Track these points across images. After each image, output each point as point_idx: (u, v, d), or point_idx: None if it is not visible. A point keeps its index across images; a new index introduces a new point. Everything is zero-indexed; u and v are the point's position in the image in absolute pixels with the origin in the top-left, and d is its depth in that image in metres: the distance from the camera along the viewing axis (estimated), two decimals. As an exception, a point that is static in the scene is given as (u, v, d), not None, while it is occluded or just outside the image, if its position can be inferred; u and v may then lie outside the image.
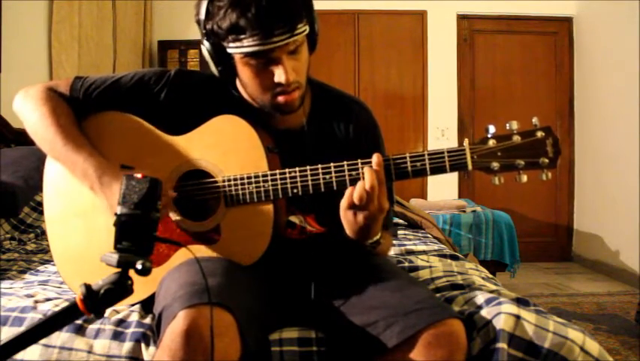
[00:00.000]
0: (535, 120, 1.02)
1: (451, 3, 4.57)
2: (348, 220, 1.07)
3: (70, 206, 1.21)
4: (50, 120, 1.14)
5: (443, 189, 4.51)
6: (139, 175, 0.84)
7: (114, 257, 0.79)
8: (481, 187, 4.56)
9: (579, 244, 4.61)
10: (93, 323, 1.07)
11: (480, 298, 1.06)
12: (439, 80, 4.60)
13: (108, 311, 1.09)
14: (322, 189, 1.08)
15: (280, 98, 1.10)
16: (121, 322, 1.08)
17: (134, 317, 1.09)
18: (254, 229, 1.11)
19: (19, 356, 0.87)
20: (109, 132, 1.20)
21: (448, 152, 1.03)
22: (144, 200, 0.82)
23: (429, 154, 1.04)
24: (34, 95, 1.18)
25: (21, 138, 2.54)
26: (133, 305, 1.14)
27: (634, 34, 3.66)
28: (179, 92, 1.19)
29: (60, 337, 1.04)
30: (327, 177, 1.07)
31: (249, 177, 1.10)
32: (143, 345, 1.03)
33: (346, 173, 1.07)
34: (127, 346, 1.03)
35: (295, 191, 1.09)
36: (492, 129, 1.03)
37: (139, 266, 0.79)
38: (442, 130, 4.59)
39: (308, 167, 1.08)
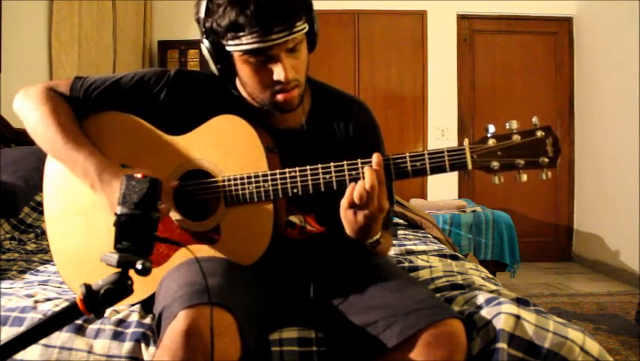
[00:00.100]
0: (535, 120, 1.02)
1: (451, 3, 4.57)
2: (348, 220, 1.07)
3: (70, 206, 1.21)
4: (51, 119, 1.14)
5: (443, 189, 4.51)
6: (139, 175, 0.84)
7: (114, 257, 0.79)
8: (481, 187, 4.56)
9: (579, 244, 4.61)
10: (93, 323, 1.07)
11: (480, 298, 1.06)
12: (439, 80, 4.60)
13: (108, 311, 1.09)
14: (322, 189, 1.08)
15: (279, 97, 1.11)
16: (121, 322, 1.08)
17: (134, 317, 1.09)
18: (254, 229, 1.11)
19: (19, 356, 0.87)
20: (109, 132, 1.20)
21: (448, 151, 1.03)
22: (144, 200, 0.82)
23: (429, 154, 1.04)
24: (35, 94, 1.18)
25: (21, 138, 2.54)
26: (133, 305, 1.14)
27: (634, 34, 3.66)
28: (179, 92, 1.19)
29: (60, 337, 1.04)
30: (327, 176, 1.07)
31: (248, 177, 1.10)
32: (143, 345, 1.03)
33: (346, 173, 1.07)
34: (127, 346, 1.03)
35: (295, 191, 1.09)
36: (492, 129, 1.03)
37: (139, 266, 0.79)
38: (442, 130, 4.59)
39: (308, 167, 1.08)
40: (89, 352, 1.03)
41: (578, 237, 4.63)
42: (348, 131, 1.24)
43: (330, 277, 1.13)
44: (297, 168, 1.09)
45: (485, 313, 1.00)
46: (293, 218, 1.19)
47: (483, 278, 1.36)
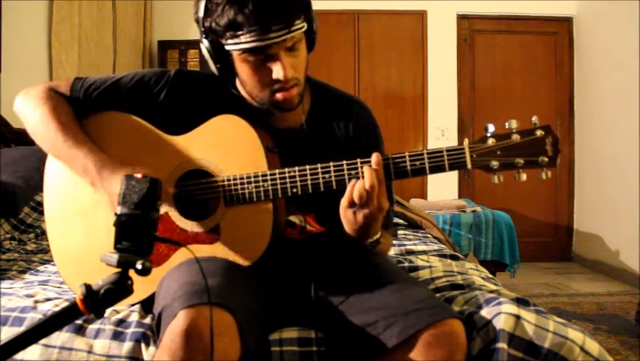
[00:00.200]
0: (534, 119, 1.02)
1: (451, 3, 4.57)
2: (347, 219, 1.07)
3: (70, 206, 1.21)
4: (51, 118, 1.14)
5: (443, 189, 4.51)
6: (139, 175, 0.84)
7: (114, 257, 0.79)
8: (481, 187, 4.56)
9: (579, 244, 4.61)
10: (93, 323, 1.07)
11: (480, 298, 1.06)
12: (439, 80, 4.60)
13: (108, 311, 1.09)
14: (322, 189, 1.08)
15: (279, 95, 1.11)
16: (121, 322, 1.08)
17: (134, 317, 1.09)
18: (253, 229, 1.11)
19: (19, 356, 0.87)
20: (109, 132, 1.20)
21: (447, 151, 1.03)
22: (144, 200, 0.82)
23: (428, 153, 1.04)
24: (35, 95, 1.18)
25: (21, 138, 2.54)
26: (133, 305, 1.14)
27: (634, 34, 3.66)
28: (178, 92, 1.19)
29: (60, 337, 1.04)
30: (327, 176, 1.07)
31: (248, 177, 1.10)
32: (143, 345, 1.03)
33: (345, 172, 1.07)
34: (127, 346, 1.03)
35: (295, 190, 1.09)
36: (491, 128, 1.03)
37: (139, 266, 0.79)
38: (442, 130, 4.59)
39: (307, 166, 1.08)
40: (89, 352, 1.03)
41: (578, 237, 4.63)
42: (348, 131, 1.24)
43: (330, 277, 1.12)
44: (296, 168, 1.09)
45: (485, 313, 1.00)
46: (293, 218, 1.19)
47: (483, 278, 1.36)
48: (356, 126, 1.24)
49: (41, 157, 1.25)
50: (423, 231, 2.55)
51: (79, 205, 1.20)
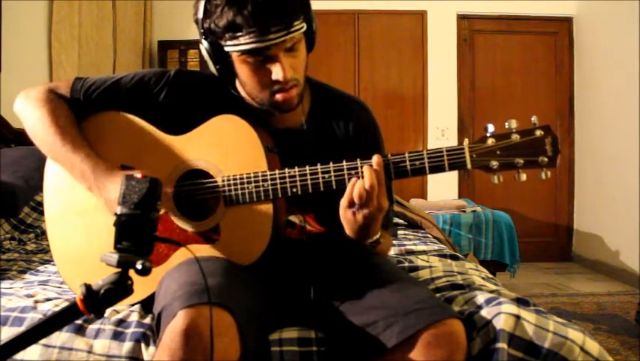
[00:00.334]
0: (534, 119, 1.02)
1: (451, 3, 4.57)
2: (347, 219, 1.07)
3: (70, 206, 1.21)
4: (49, 121, 1.14)
5: (443, 189, 4.51)
6: (139, 175, 0.84)
7: (114, 257, 0.79)
8: (481, 187, 4.56)
9: (579, 244, 4.61)
10: (93, 323, 1.07)
11: (480, 298, 1.06)
12: (439, 80, 4.60)
13: (108, 311, 1.09)
14: (321, 189, 1.08)
15: (278, 96, 1.11)
16: (121, 322, 1.08)
17: (134, 317, 1.09)
18: (253, 229, 1.11)
19: (19, 356, 0.87)
20: (109, 132, 1.21)
21: (447, 151, 1.03)
22: (144, 200, 0.82)
23: (428, 153, 1.04)
24: (35, 96, 1.18)
25: (21, 138, 2.54)
26: (133, 305, 1.14)
27: (634, 34, 3.66)
28: (178, 92, 1.19)
29: (60, 337, 1.04)
30: (327, 176, 1.07)
31: (248, 177, 1.10)
32: (143, 345, 1.03)
33: (345, 172, 1.07)
34: (127, 346, 1.03)
35: (294, 190, 1.09)
36: (491, 128, 1.03)
37: (139, 266, 0.79)
38: (442, 130, 4.59)
39: (307, 166, 1.08)
40: (89, 352, 1.03)
41: (578, 237, 4.63)
42: (348, 131, 1.24)
43: (330, 277, 1.13)
44: (296, 168, 1.09)
45: (485, 313, 1.00)
46: (292, 218, 1.19)
47: (483, 278, 1.36)
48: (356, 126, 1.24)
49: (41, 157, 1.25)
50: (423, 231, 2.55)
51: (79, 205, 1.20)
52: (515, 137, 1.01)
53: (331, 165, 1.07)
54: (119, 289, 0.79)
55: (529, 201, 4.59)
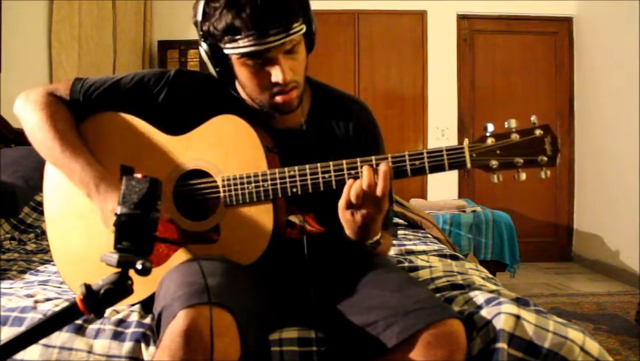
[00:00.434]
0: (533, 118, 1.02)
1: (451, 3, 4.57)
2: (346, 220, 1.07)
3: (70, 206, 1.21)
4: (48, 126, 1.14)
5: (443, 189, 4.51)
6: (139, 175, 0.84)
7: (114, 257, 0.79)
8: (481, 187, 4.56)
9: (579, 244, 4.61)
10: (93, 323, 1.07)
11: (480, 298, 1.06)
12: (439, 80, 4.60)
13: (108, 311, 1.09)
14: (321, 189, 1.08)
15: (278, 98, 1.11)
16: (121, 322, 1.08)
17: (134, 317, 1.09)
18: (253, 229, 1.11)
19: (19, 356, 0.87)
20: (108, 133, 1.21)
21: (447, 150, 1.03)
22: (144, 200, 0.82)
23: (428, 153, 1.04)
24: (34, 99, 1.18)
25: (21, 138, 2.53)
26: (133, 305, 1.14)
27: (634, 34, 3.66)
28: (178, 92, 1.19)
29: (60, 337, 1.04)
30: (327, 176, 1.07)
31: (248, 177, 1.10)
32: (143, 345, 1.03)
33: (345, 172, 1.07)
34: (127, 346, 1.03)
35: (294, 190, 1.09)
36: (490, 127, 1.03)
37: (139, 266, 0.79)
38: (442, 130, 4.59)
39: (307, 166, 1.08)
40: (89, 352, 1.03)
41: (578, 237, 4.63)
42: (348, 131, 1.24)
43: (330, 277, 1.13)
44: (296, 168, 1.09)
45: (485, 313, 1.00)
46: (292, 218, 1.19)
47: (483, 278, 1.36)
48: (356, 126, 1.24)
49: (41, 157, 1.25)
50: (423, 231, 2.55)
51: (79, 205, 1.20)
52: (515, 136, 1.01)
53: (331, 164, 1.07)
54: (119, 289, 0.79)
55: (529, 201, 4.59)
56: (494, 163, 1.02)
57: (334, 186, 1.07)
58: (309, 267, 1.15)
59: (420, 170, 1.05)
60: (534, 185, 4.46)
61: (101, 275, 0.80)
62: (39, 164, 1.28)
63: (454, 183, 4.59)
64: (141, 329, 1.06)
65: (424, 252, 1.79)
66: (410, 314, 0.94)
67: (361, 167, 1.05)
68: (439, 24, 4.59)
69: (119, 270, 0.80)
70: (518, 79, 4.64)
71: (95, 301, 0.78)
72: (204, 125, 1.15)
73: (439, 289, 1.27)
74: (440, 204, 3.83)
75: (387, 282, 1.05)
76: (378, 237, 1.12)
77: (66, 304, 0.81)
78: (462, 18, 4.62)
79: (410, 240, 2.15)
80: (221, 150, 1.14)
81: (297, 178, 1.08)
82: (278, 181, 1.09)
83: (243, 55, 1.06)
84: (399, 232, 2.38)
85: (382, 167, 1.03)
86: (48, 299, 1.20)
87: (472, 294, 1.11)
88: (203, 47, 1.11)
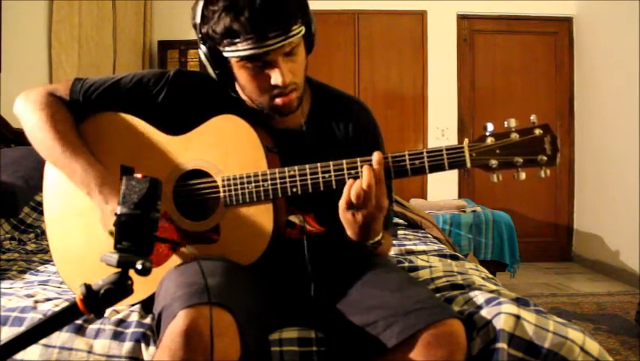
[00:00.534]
0: (533, 118, 1.02)
1: (451, 3, 4.57)
2: (347, 221, 1.07)
3: (70, 206, 1.21)
4: (48, 126, 1.14)
5: (443, 188, 4.52)
6: (139, 175, 0.84)
7: (114, 257, 0.79)
8: (481, 187, 4.56)
9: (579, 244, 4.61)
10: (93, 323, 1.07)
11: (480, 298, 1.06)
12: (439, 80, 4.60)
13: (108, 311, 1.09)
14: (321, 188, 1.08)
15: (278, 100, 1.11)
16: (121, 322, 1.08)
17: (134, 317, 1.09)
18: (253, 229, 1.11)
19: (19, 356, 0.87)
20: (108, 133, 1.21)
21: (447, 149, 1.03)
22: (144, 200, 0.82)
23: (427, 152, 1.04)
24: (34, 99, 1.18)
25: (21, 138, 2.53)
26: (133, 305, 1.14)
27: (634, 34, 3.66)
28: (178, 93, 1.19)
29: (60, 337, 1.04)
30: (327, 176, 1.07)
31: (248, 177, 1.10)
32: (143, 345, 1.03)
33: (345, 172, 1.07)
34: (127, 346, 1.03)
35: (294, 190, 1.09)
36: (490, 127, 1.03)
37: (139, 266, 0.79)
38: (442, 130, 4.59)
39: (307, 166, 1.08)
40: (89, 352, 1.03)
41: (578, 237, 4.63)
42: (348, 132, 1.24)
43: (330, 277, 1.12)
44: (296, 168, 1.09)
45: (485, 313, 1.00)
46: (292, 218, 1.19)
47: (483, 278, 1.36)
48: (356, 127, 1.24)
49: (41, 157, 1.25)
50: (423, 231, 2.55)
51: (79, 205, 1.20)
52: (514, 136, 1.01)
53: (331, 164, 1.07)
54: (119, 289, 0.79)
55: (529, 201, 4.59)
56: (494, 163, 1.02)
57: (334, 186, 1.07)
58: (309, 267, 1.15)
59: (420, 169, 1.05)
60: (534, 185, 4.46)
61: (101, 275, 0.80)
62: (39, 164, 1.28)
63: (454, 183, 4.59)
64: (141, 329, 1.06)
65: (424, 252, 1.79)
66: (410, 314, 0.94)
67: (361, 167, 1.05)
68: (439, 24, 4.59)
69: (119, 270, 0.80)
70: (518, 79, 4.64)
71: (95, 301, 0.78)
72: (204, 125, 1.15)
73: (439, 289, 1.26)
74: (440, 204, 3.83)
75: (387, 282, 1.05)
76: (379, 237, 1.12)
77: (66, 304, 0.81)
78: (462, 18, 4.62)
79: (410, 240, 2.15)
80: (221, 149, 1.14)
81: (297, 178, 1.08)
82: (278, 181, 1.09)
83: (242, 58, 1.06)
84: (399, 232, 2.38)
85: (375, 155, 1.04)
86: (48, 299, 1.20)
87: (472, 294, 1.11)
88: (203, 49, 1.11)
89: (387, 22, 4.61)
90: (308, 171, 1.08)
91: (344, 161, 1.07)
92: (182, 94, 1.19)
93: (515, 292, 1.17)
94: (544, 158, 1.01)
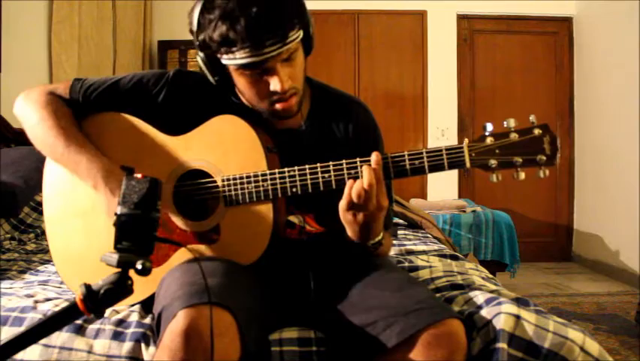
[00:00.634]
0: (532, 118, 1.02)
1: (451, 3, 4.57)
2: (348, 221, 1.07)
3: (69, 206, 1.21)
4: (50, 123, 1.14)
5: (443, 189, 4.52)
6: (139, 175, 0.84)
7: (114, 257, 0.79)
8: (481, 187, 4.56)
9: (579, 244, 4.61)
10: (93, 323, 1.07)
11: (480, 298, 1.07)
12: (439, 80, 4.60)
13: (108, 311, 1.09)
14: (321, 188, 1.08)
15: (277, 106, 1.11)
16: (121, 322, 1.08)
17: (134, 317, 1.09)
18: (253, 229, 1.11)
19: (19, 356, 0.87)
20: (108, 133, 1.21)
21: (447, 149, 1.03)
22: (144, 200, 0.83)
23: (427, 152, 1.04)
24: (34, 98, 1.18)
25: (21, 138, 2.54)
26: (133, 305, 1.14)
27: (634, 34, 3.66)
28: (178, 93, 1.19)
29: (60, 337, 1.04)
30: (326, 176, 1.07)
31: (248, 177, 1.10)
32: (143, 345, 1.03)
33: (345, 172, 1.07)
34: (127, 346, 1.03)
35: (294, 190, 1.09)
36: (489, 127, 1.03)
37: (139, 266, 0.79)
38: (442, 130, 4.59)
39: (307, 166, 1.08)
40: (89, 352, 1.03)
41: (578, 237, 4.63)
42: (348, 132, 1.24)
43: (330, 277, 1.13)
44: (296, 168, 1.09)
45: (485, 313, 1.00)
46: (292, 218, 1.19)
47: (483, 278, 1.36)
48: (356, 127, 1.24)
49: (41, 157, 1.25)
50: (423, 231, 2.55)
51: (78, 205, 1.20)
52: (514, 136, 1.01)
53: (331, 164, 1.07)
54: (119, 289, 0.79)
55: (529, 201, 4.59)
56: (493, 163, 1.02)
57: (334, 186, 1.07)
58: (309, 267, 1.15)
59: (419, 169, 1.05)
60: (534, 185, 4.46)
61: (101, 275, 0.80)
62: (39, 164, 1.28)
63: (454, 183, 4.59)
64: (141, 329, 1.06)
65: (424, 252, 1.79)
66: (410, 314, 0.94)
67: (361, 167, 1.05)
68: (439, 24, 4.59)
69: (119, 270, 0.80)
70: (518, 79, 4.64)
71: (95, 301, 0.78)
72: (204, 125, 1.15)
73: (439, 289, 1.27)
74: (440, 204, 3.83)
75: (387, 282, 1.05)
76: (379, 237, 1.12)
77: (66, 304, 0.81)
78: (462, 18, 4.62)
79: (410, 240, 2.15)
80: (221, 150, 1.14)
81: (297, 178, 1.08)
82: (278, 181, 1.09)
83: (239, 66, 1.05)
84: (399, 232, 2.38)
85: (373, 156, 1.04)
86: (48, 299, 1.20)
87: (472, 294, 1.11)
88: (200, 55, 1.10)
89: (387, 22, 4.61)
90: (308, 171, 1.08)
91: (344, 161, 1.07)
92: (182, 94, 1.19)
93: (515, 292, 1.17)
94: (544, 158, 1.01)
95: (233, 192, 1.11)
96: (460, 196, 4.53)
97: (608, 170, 4.13)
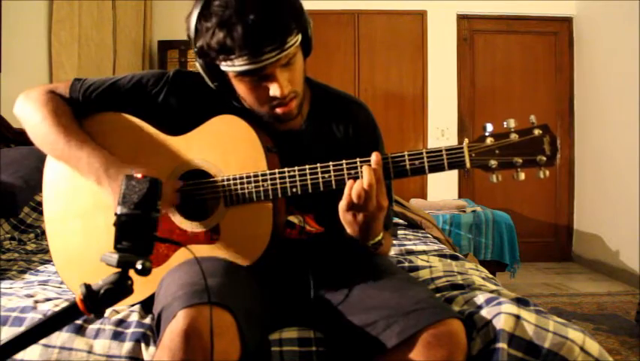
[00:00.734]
0: (532, 118, 1.02)
1: (451, 3, 4.57)
2: (348, 221, 1.07)
3: (69, 206, 1.21)
4: (51, 121, 1.14)
5: (443, 189, 4.52)
6: (139, 175, 0.84)
7: (114, 257, 0.79)
8: (481, 187, 4.56)
9: (579, 244, 4.61)
10: (93, 323, 1.07)
11: (480, 298, 1.07)
12: (439, 80, 4.60)
13: (108, 311, 1.09)
14: (321, 188, 1.08)
15: (278, 110, 1.10)
16: (121, 322, 1.08)
17: (134, 317, 1.09)
18: (253, 229, 1.11)
19: (19, 356, 0.87)
20: (108, 133, 1.21)
21: (447, 150, 1.03)
22: (144, 200, 0.83)
23: (427, 152, 1.04)
24: (35, 98, 1.18)
25: (21, 138, 2.54)
26: (133, 305, 1.14)
27: (634, 34, 3.66)
28: (178, 93, 1.19)
29: (60, 337, 1.04)
30: (326, 176, 1.07)
31: (248, 177, 1.10)
32: (143, 345, 1.03)
33: (345, 172, 1.07)
34: (127, 346, 1.03)
35: (294, 190, 1.09)
36: (489, 127, 1.03)
37: (139, 266, 0.79)
38: (442, 130, 4.60)
39: (307, 166, 1.08)
40: (89, 352, 1.03)
41: (578, 237, 4.63)
42: (348, 132, 1.24)
43: (330, 277, 1.13)
44: (296, 168, 1.09)
45: (485, 313, 1.00)
46: (292, 218, 1.19)
47: (483, 278, 1.36)
48: (355, 127, 1.24)
49: (41, 157, 1.25)
50: (423, 231, 2.55)
51: (78, 205, 1.20)
52: (514, 136, 1.02)
53: (331, 164, 1.07)
54: (119, 289, 0.79)
55: (529, 201, 4.59)
56: (493, 163, 1.02)
57: (334, 186, 1.07)
58: (308, 267, 1.15)
59: (419, 170, 1.05)
60: (534, 185, 4.46)
61: (101, 275, 0.80)
62: (39, 164, 1.28)
63: (454, 183, 4.59)
64: (141, 329, 1.06)
65: (424, 252, 1.79)
66: (410, 314, 0.94)
67: (361, 167, 1.05)
68: (439, 24, 4.59)
69: (119, 270, 0.80)
70: (518, 79, 4.64)
71: (95, 301, 0.78)
72: (204, 125, 1.15)
73: (439, 289, 1.27)
74: (440, 204, 3.83)
75: (387, 282, 1.05)
76: (380, 237, 1.12)
77: (66, 304, 0.81)
78: (462, 18, 4.62)
79: (410, 240, 2.15)
80: (221, 150, 1.14)
81: (297, 178, 1.08)
82: (278, 181, 1.09)
83: (238, 73, 1.05)
84: (399, 232, 2.38)
85: (373, 156, 1.04)
86: (48, 299, 1.20)
87: (472, 294, 1.11)
88: (199, 62, 1.09)
89: (387, 22, 4.61)
90: (308, 171, 1.08)
91: (344, 161, 1.07)
92: (182, 94, 1.19)
93: (515, 292, 1.17)
94: (544, 158, 1.01)
95: (233, 192, 1.11)
96: (460, 196, 4.53)
97: (608, 170, 4.13)
